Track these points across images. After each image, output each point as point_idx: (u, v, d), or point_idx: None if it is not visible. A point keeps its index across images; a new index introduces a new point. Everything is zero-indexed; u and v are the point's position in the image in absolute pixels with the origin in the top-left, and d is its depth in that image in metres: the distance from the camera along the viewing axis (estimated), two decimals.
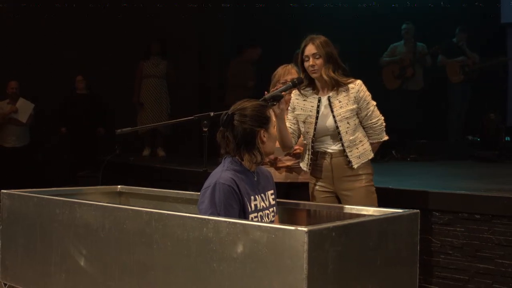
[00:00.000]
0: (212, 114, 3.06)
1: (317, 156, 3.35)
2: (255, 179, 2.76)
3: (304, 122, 3.36)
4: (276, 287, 2.07)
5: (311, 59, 3.24)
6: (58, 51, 8.20)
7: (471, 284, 3.59)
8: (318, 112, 3.30)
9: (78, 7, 8.43)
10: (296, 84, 3.30)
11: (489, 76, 8.10)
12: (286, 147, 3.38)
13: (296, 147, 3.56)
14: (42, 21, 8.24)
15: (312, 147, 3.35)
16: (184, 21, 8.82)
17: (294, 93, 3.40)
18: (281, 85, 3.59)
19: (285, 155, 3.61)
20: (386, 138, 3.41)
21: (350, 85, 3.28)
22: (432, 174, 5.68)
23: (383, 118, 3.38)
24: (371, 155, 3.35)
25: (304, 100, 3.36)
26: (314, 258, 2.02)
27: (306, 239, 2.00)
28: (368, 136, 3.36)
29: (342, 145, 3.28)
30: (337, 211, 3.00)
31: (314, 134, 3.32)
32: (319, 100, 3.31)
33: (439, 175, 5.58)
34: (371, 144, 3.36)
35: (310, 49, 3.25)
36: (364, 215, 2.79)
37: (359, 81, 3.31)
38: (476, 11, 8.47)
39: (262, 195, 2.77)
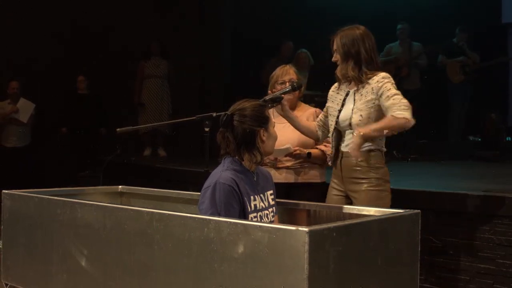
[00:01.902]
0: (214, 114, 3.06)
1: (334, 153, 3.31)
2: (255, 179, 2.76)
3: (330, 115, 3.31)
4: (277, 287, 2.07)
5: (335, 54, 3.21)
6: (59, 51, 8.20)
7: (472, 284, 3.59)
8: (342, 105, 3.23)
9: (79, 6, 8.43)
10: (295, 88, 3.30)
11: (490, 76, 8.10)
12: (315, 140, 3.45)
13: (296, 148, 3.58)
14: (42, 21, 8.24)
15: (333, 141, 3.30)
16: (186, 21, 8.83)
17: (335, 86, 3.34)
18: (279, 86, 3.62)
19: (285, 156, 3.62)
20: (412, 121, 2.98)
21: (372, 78, 3.13)
22: (432, 174, 5.69)
23: (406, 100, 3.01)
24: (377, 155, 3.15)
25: (337, 93, 3.32)
26: (315, 258, 2.02)
27: (307, 239, 2.00)
28: (392, 112, 2.99)
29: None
30: (337, 211, 3.00)
31: (335, 128, 3.26)
32: (347, 94, 3.24)
33: (440, 175, 5.58)
34: (393, 119, 2.96)
35: (334, 44, 3.21)
36: (364, 215, 2.79)
37: (382, 74, 3.13)
38: (477, 11, 8.48)
39: (261, 195, 2.77)
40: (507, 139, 7.77)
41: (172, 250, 2.42)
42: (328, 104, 3.35)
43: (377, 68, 3.17)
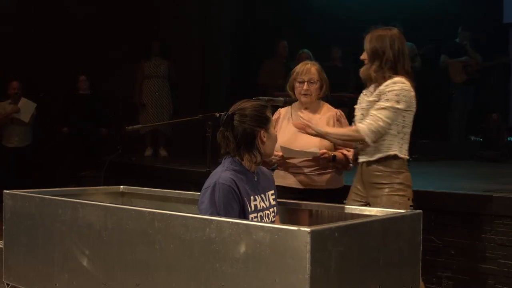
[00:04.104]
0: (217, 114, 3.05)
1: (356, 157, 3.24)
2: (255, 179, 2.76)
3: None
4: (279, 287, 2.07)
5: (364, 52, 3.15)
6: (60, 51, 8.21)
7: (474, 285, 3.59)
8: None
9: (80, 7, 8.44)
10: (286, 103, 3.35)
11: (492, 76, 8.10)
12: (352, 148, 3.33)
13: (323, 151, 3.36)
14: (43, 22, 8.25)
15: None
16: (186, 21, 8.83)
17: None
18: (298, 84, 3.49)
19: (310, 159, 3.43)
20: (369, 142, 3.04)
21: (387, 81, 3.06)
22: (434, 174, 5.68)
23: (383, 124, 3.01)
24: (380, 155, 3.07)
25: (364, 94, 3.24)
26: (316, 258, 2.02)
27: (308, 239, 2.00)
28: (360, 123, 3.08)
29: None
30: (339, 211, 3.00)
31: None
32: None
33: (442, 175, 5.57)
34: (354, 131, 3.09)
35: (364, 42, 3.16)
36: (366, 215, 2.79)
37: (396, 78, 3.04)
38: (478, 11, 8.48)
39: (262, 195, 2.76)
40: (508, 139, 7.77)
41: (173, 250, 2.42)
42: (356, 106, 3.27)
43: (402, 72, 3.09)
